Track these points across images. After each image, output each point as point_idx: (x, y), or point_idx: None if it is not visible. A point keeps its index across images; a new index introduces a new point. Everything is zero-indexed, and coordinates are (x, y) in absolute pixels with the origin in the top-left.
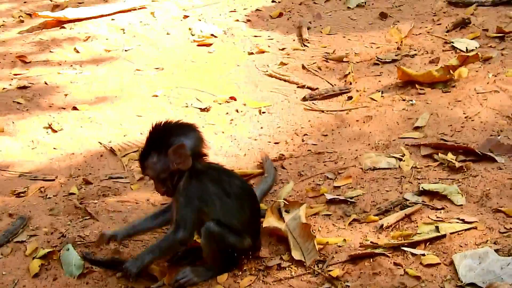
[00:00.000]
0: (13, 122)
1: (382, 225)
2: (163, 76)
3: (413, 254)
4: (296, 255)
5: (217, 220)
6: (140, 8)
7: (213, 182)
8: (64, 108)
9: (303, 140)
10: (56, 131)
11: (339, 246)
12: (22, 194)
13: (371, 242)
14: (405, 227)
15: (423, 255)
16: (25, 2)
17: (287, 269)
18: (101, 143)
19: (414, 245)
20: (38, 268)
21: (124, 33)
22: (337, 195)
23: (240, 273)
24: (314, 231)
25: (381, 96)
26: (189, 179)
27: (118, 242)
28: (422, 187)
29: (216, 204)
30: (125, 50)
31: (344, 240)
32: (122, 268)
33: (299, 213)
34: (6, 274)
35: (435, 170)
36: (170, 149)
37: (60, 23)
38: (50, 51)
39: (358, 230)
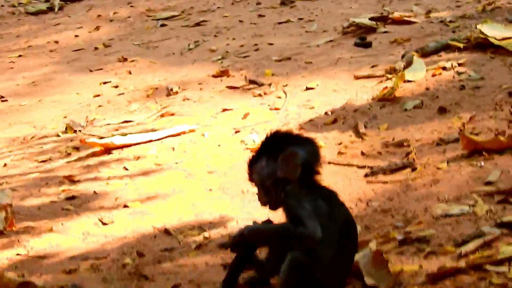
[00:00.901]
0: (62, 224)
1: (461, 253)
2: (217, 177)
3: (497, 272)
4: (369, 281)
5: (307, 241)
6: (189, 132)
7: (323, 198)
8: (115, 208)
9: (367, 204)
10: (106, 224)
11: (416, 272)
12: (73, 271)
13: (450, 267)
14: (485, 253)
15: (508, 271)
16: (71, 141)
17: None
18: (154, 227)
19: (497, 263)
20: None
21: (174, 150)
22: (409, 235)
23: None
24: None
25: (447, 165)
26: (298, 187)
27: None
28: (501, 220)
29: (322, 222)
30: (176, 163)
31: (421, 266)
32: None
33: (369, 250)
34: None
35: None
36: (280, 155)
37: (107, 151)
38: (98, 171)
39: (435, 260)
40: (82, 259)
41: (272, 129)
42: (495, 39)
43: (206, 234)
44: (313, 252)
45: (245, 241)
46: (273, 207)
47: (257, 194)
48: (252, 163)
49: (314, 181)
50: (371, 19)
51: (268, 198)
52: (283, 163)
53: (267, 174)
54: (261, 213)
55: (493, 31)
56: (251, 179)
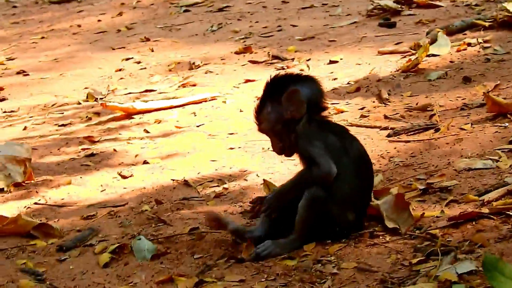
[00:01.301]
0: (80, 177)
1: (483, 200)
2: (237, 138)
3: None
4: (390, 224)
5: (324, 179)
6: (211, 99)
7: (334, 134)
8: (134, 164)
9: (389, 160)
10: (126, 177)
11: (437, 217)
12: (91, 217)
13: (472, 211)
14: (508, 200)
15: None
16: (92, 107)
17: (380, 237)
18: (173, 179)
19: None
20: (108, 259)
21: (195, 115)
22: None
23: (329, 241)
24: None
25: (471, 126)
26: (307, 124)
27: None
28: None
29: (335, 157)
30: (197, 126)
31: (442, 211)
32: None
33: (391, 195)
34: (74, 268)
35: None
36: (283, 95)
37: (128, 116)
38: (119, 133)
39: (457, 207)
40: (100, 207)
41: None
42: None
43: (225, 185)
44: (330, 187)
45: (272, 210)
46: (289, 153)
47: (271, 144)
48: (258, 112)
49: (322, 118)
50: (395, 2)
51: (282, 144)
52: (287, 103)
53: (274, 118)
54: (281, 167)
55: None
56: (260, 129)
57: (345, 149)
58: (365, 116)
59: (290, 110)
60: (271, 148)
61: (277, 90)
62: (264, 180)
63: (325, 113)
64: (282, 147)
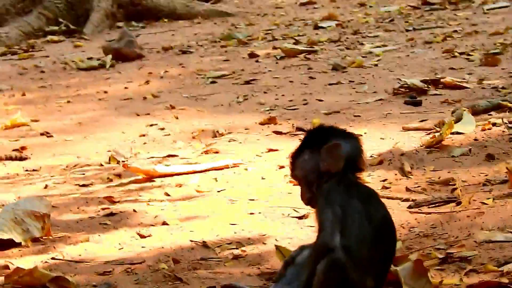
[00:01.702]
0: (98, 235)
1: (503, 271)
2: (258, 204)
3: None
4: None
5: (345, 247)
6: (233, 166)
7: (360, 199)
8: (153, 225)
9: (409, 230)
10: (144, 236)
11: (456, 285)
12: (108, 273)
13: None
14: None
15: None
16: (114, 169)
17: None
18: (192, 240)
19: None
20: None
21: (216, 181)
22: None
23: None
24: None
25: (493, 201)
26: (336, 185)
27: None
28: None
29: (354, 225)
30: (218, 191)
31: (461, 279)
32: None
33: (409, 262)
34: None
35: None
36: (324, 147)
37: (149, 179)
38: (139, 195)
39: (476, 277)
40: (116, 264)
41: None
42: None
43: (244, 248)
44: (350, 252)
45: None
46: (315, 205)
47: (300, 192)
48: (295, 157)
49: (355, 178)
50: (422, 81)
51: (311, 194)
52: (326, 155)
53: (310, 167)
54: (300, 233)
55: None
56: (293, 175)
57: (368, 215)
58: (386, 188)
59: (328, 162)
60: (291, 214)
61: (318, 141)
62: (276, 246)
63: (359, 174)
64: (310, 198)
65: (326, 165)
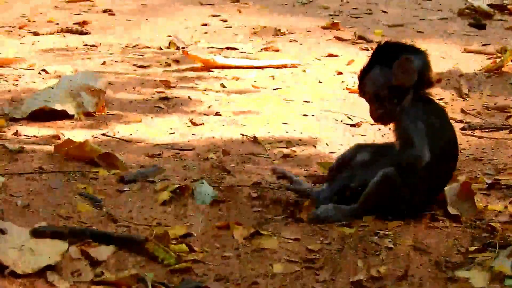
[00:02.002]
0: (151, 118)
1: None
2: (312, 106)
3: None
4: (453, 210)
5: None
6: (291, 66)
7: (437, 116)
8: (207, 114)
9: (461, 152)
10: (196, 124)
11: (500, 212)
12: (157, 156)
13: None
14: None
15: None
16: (172, 54)
17: (441, 221)
18: (243, 134)
19: None
20: (168, 197)
21: (273, 79)
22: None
23: (389, 217)
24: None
25: None
26: (414, 100)
27: None
28: None
29: (432, 140)
30: (274, 89)
31: (506, 207)
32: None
33: (457, 183)
34: (133, 200)
35: None
36: (396, 61)
37: (207, 69)
38: (196, 83)
39: None
40: (166, 148)
41: (382, 40)
42: None
43: (294, 148)
44: (410, 169)
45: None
46: (387, 121)
47: (369, 109)
48: (364, 74)
49: (427, 95)
50: (489, 5)
51: (382, 111)
52: (398, 69)
53: (382, 82)
54: (351, 140)
55: None
56: (362, 92)
57: (441, 133)
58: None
59: (401, 77)
60: (344, 121)
61: (389, 56)
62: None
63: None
64: (381, 114)
65: (399, 79)
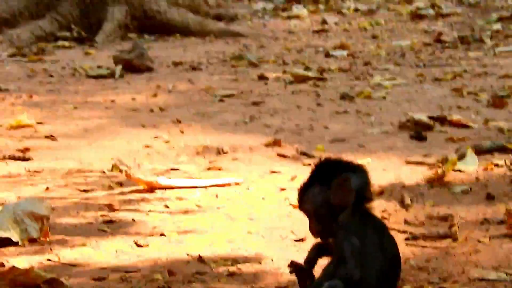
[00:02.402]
0: (96, 241)
1: None
2: (257, 224)
3: None
4: None
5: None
6: (235, 184)
7: (375, 229)
8: (151, 235)
9: (404, 262)
10: (141, 246)
11: None
12: (102, 279)
13: None
14: None
15: None
16: (116, 177)
17: None
18: (188, 254)
19: None
20: None
21: (217, 197)
22: None
23: None
24: None
25: (490, 240)
26: (351, 216)
27: None
28: None
29: (370, 256)
30: (218, 208)
31: None
32: None
33: None
34: None
35: None
36: (334, 181)
37: (151, 190)
38: (139, 205)
39: None
40: (112, 271)
41: (322, 157)
42: None
43: (239, 266)
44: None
45: None
46: (325, 238)
47: (309, 225)
48: (304, 191)
49: (366, 210)
50: (429, 117)
51: (320, 228)
52: (336, 189)
53: (320, 201)
54: (298, 256)
55: None
56: (302, 208)
57: (383, 247)
58: (385, 218)
59: (339, 197)
60: (289, 237)
61: (327, 174)
62: None
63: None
64: (320, 231)
65: (337, 199)
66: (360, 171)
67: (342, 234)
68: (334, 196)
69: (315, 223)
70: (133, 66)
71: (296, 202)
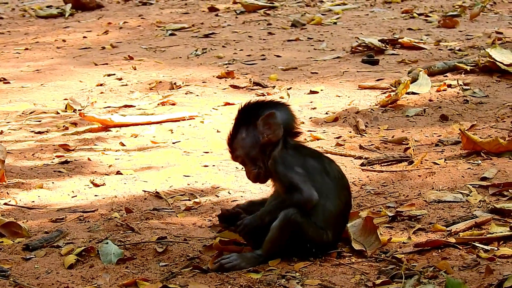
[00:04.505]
0: (52, 182)
1: (451, 231)
2: (212, 157)
3: (485, 250)
4: (357, 246)
5: (301, 207)
6: (189, 118)
7: (312, 156)
8: (107, 174)
9: (361, 188)
10: (98, 185)
11: (404, 243)
12: (60, 221)
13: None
14: (475, 232)
15: (497, 249)
16: (70, 118)
17: (347, 258)
18: (145, 190)
19: (486, 241)
20: (74, 260)
21: (172, 133)
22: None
23: (295, 258)
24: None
25: (445, 162)
26: (284, 149)
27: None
28: (493, 205)
29: (316, 180)
30: (173, 143)
31: (409, 238)
32: (237, 223)
33: (360, 219)
34: (39, 267)
35: (507, 202)
36: (259, 119)
37: (105, 129)
38: (94, 144)
39: (424, 236)
40: (69, 212)
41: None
42: (503, 64)
43: (196, 200)
44: (311, 209)
45: (248, 231)
46: (264, 179)
47: (245, 171)
48: (232, 139)
49: (297, 142)
50: (380, 41)
51: (257, 170)
52: (263, 126)
53: (250, 143)
54: (253, 187)
55: (501, 56)
56: (234, 157)
57: (325, 170)
58: (340, 145)
59: (267, 133)
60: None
61: (252, 115)
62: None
63: (299, 139)
64: (257, 174)
65: (266, 136)
66: (283, 107)
67: (283, 165)
68: (262, 134)
69: (250, 168)
70: (83, 4)
71: None
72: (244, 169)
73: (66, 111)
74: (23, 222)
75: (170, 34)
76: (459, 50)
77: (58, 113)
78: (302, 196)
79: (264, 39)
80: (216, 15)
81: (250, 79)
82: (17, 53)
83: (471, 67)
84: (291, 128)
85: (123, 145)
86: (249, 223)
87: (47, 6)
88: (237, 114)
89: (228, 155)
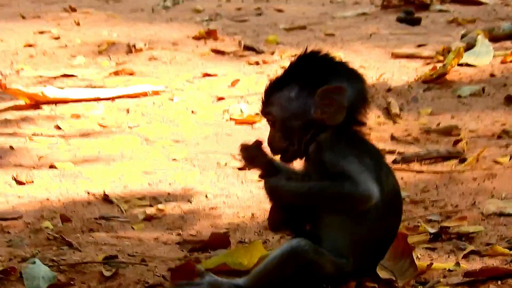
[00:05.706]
0: None
1: None
2: (185, 147)
3: None
4: (384, 274)
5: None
6: (153, 94)
7: (370, 157)
8: (37, 168)
9: None
10: (23, 183)
11: (450, 271)
12: None
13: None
14: None
15: None
16: None
17: None
18: (89, 192)
19: None
20: None
21: (128, 113)
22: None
23: None
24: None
25: (510, 161)
26: (336, 139)
27: None
28: None
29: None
30: (130, 127)
31: (458, 263)
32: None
33: None
34: None
35: None
36: (322, 87)
37: (35, 106)
38: (19, 127)
39: (478, 261)
40: None
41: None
42: None
43: (160, 206)
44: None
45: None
46: (290, 158)
47: (269, 137)
48: (273, 89)
49: (355, 133)
50: None
51: (287, 144)
52: (323, 99)
53: (296, 110)
54: (240, 190)
55: None
56: (266, 112)
57: (379, 180)
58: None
59: (323, 111)
60: (229, 164)
61: (313, 75)
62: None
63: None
64: (285, 148)
65: (321, 113)
66: (358, 82)
67: (332, 155)
68: (317, 107)
69: (279, 137)
70: None
71: (239, 116)
72: (269, 132)
73: None
74: None
75: None
76: None
77: None
78: (356, 188)
79: None
80: None
81: (240, 41)
82: None
83: None
84: (357, 113)
85: (59, 128)
86: (274, 191)
87: None
88: (294, 62)
89: (208, 146)
